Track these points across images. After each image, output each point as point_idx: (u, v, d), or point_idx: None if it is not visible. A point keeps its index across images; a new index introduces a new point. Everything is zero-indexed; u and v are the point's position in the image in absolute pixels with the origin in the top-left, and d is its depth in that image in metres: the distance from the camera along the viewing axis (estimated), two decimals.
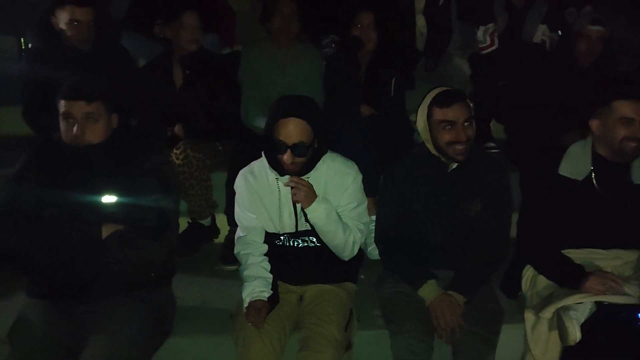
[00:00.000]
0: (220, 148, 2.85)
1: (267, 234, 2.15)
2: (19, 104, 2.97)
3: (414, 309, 2.08)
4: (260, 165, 2.13)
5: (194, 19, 2.81)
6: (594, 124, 2.14)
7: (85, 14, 2.73)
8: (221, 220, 2.86)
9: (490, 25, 3.66)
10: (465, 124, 2.07)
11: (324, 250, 2.13)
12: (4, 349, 1.92)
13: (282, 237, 2.14)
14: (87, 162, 1.94)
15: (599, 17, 3.08)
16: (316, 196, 2.01)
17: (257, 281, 2.06)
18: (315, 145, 2.03)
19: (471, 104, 2.14)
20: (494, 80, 3.51)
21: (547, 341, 2.13)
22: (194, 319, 2.26)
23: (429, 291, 2.08)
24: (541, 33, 3.65)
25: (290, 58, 2.89)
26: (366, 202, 2.18)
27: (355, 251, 2.14)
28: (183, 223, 2.77)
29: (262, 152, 2.10)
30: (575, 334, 1.96)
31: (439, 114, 2.08)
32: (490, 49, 3.66)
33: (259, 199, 2.11)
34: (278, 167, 2.04)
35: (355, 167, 2.15)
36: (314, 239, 2.13)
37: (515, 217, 2.29)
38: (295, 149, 1.96)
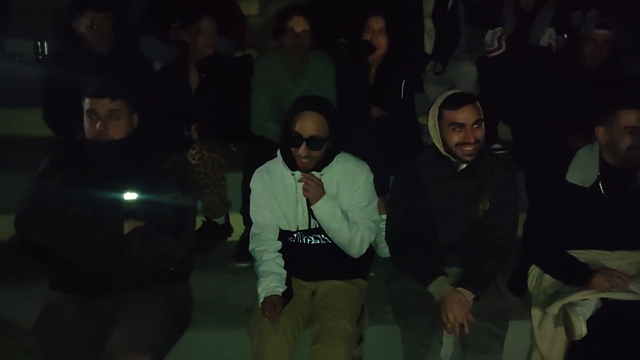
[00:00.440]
0: (234, 149, 2.91)
1: (281, 231, 2.21)
2: (35, 106, 3.04)
3: (423, 304, 2.13)
4: (276, 164, 2.20)
5: (210, 23, 2.88)
6: (600, 131, 2.17)
7: (105, 18, 2.83)
8: (234, 219, 2.93)
9: (499, 28, 3.70)
10: (475, 126, 2.12)
11: (335, 248, 2.18)
12: (29, 341, 1.99)
13: (295, 235, 2.20)
14: (109, 159, 2.01)
15: (605, 20, 3.10)
16: (324, 193, 2.07)
17: (271, 277, 2.11)
18: (330, 145, 2.09)
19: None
20: (501, 83, 3.55)
21: (554, 337, 2.17)
22: (210, 313, 2.31)
23: (438, 287, 2.13)
24: (548, 36, 3.70)
25: (303, 69, 2.89)
26: (376, 201, 2.23)
27: (364, 250, 2.18)
28: (198, 222, 2.82)
29: (278, 149, 2.16)
30: (581, 329, 2.00)
31: (449, 115, 2.13)
32: (497, 52, 3.71)
33: (274, 197, 2.17)
34: (292, 164, 2.11)
35: (367, 167, 2.21)
36: (326, 237, 2.19)
37: (521, 217, 2.33)
38: (311, 142, 2.03)
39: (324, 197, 2.07)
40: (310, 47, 2.85)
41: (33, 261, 2.12)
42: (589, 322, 2.02)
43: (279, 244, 2.20)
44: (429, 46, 3.58)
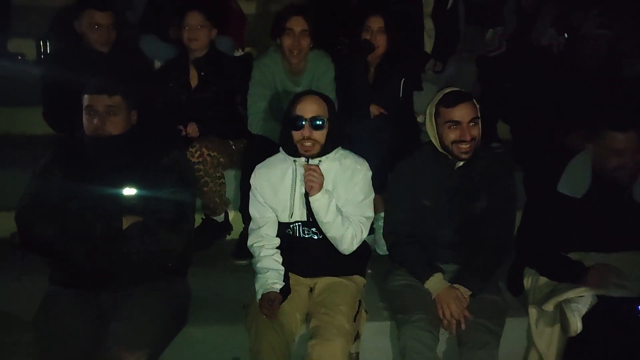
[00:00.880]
0: (233, 147, 2.93)
1: (279, 224, 2.22)
2: (36, 105, 3.07)
3: (421, 300, 2.14)
4: (276, 158, 2.22)
5: (194, 18, 2.85)
6: (589, 147, 2.19)
7: (106, 17, 2.85)
8: (234, 217, 2.95)
9: (499, 28, 3.72)
10: (471, 124, 2.13)
11: (332, 245, 2.18)
12: (28, 335, 2.01)
13: (292, 226, 2.20)
14: (106, 154, 2.03)
15: (605, 20, 3.12)
16: (323, 186, 2.09)
17: (269, 273, 2.12)
18: (329, 131, 2.11)
19: (478, 105, 2.21)
20: (501, 82, 3.57)
21: (551, 335, 2.18)
22: (208, 309, 2.32)
23: (435, 284, 2.15)
24: (549, 36, 3.71)
25: (302, 69, 2.91)
26: (372, 197, 2.24)
27: (354, 247, 2.17)
28: (197, 219, 2.84)
29: (280, 147, 2.19)
30: (576, 325, 2.01)
31: (445, 113, 2.15)
32: (498, 52, 3.73)
33: (272, 188, 2.18)
34: (294, 152, 2.14)
35: (366, 164, 2.23)
36: (320, 231, 2.18)
37: (518, 215, 2.33)
38: (313, 121, 2.07)
39: (323, 190, 2.08)
40: (309, 47, 2.86)
41: (33, 257, 2.14)
42: (585, 319, 2.02)
43: (277, 241, 2.22)
44: (429, 45, 3.60)
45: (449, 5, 3.55)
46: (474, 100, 2.19)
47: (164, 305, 2.01)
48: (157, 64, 3.32)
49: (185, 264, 2.24)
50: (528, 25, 3.76)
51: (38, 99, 3.06)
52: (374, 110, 2.88)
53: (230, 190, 2.90)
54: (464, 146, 2.13)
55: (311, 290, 2.23)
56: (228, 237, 2.97)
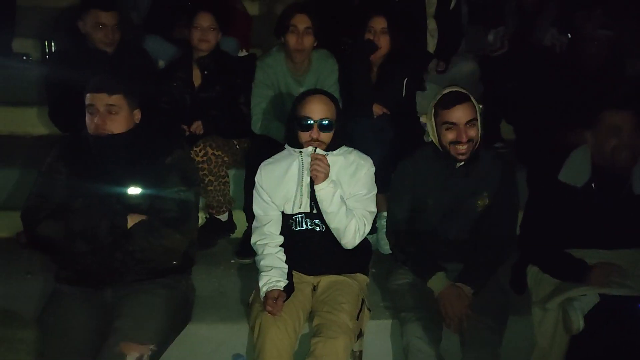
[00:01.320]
0: (237, 146, 2.94)
1: (283, 216, 2.22)
2: (41, 105, 3.09)
3: (423, 299, 2.16)
4: (280, 155, 2.25)
5: (205, 20, 2.88)
6: (587, 135, 2.20)
7: (110, 17, 2.86)
8: (238, 216, 2.96)
9: (501, 28, 3.72)
10: (468, 125, 2.14)
11: (335, 241, 2.19)
12: (34, 333, 2.02)
13: (294, 218, 2.20)
14: (110, 153, 2.04)
15: (608, 21, 3.13)
16: (328, 176, 2.10)
17: (273, 271, 2.13)
18: (335, 132, 2.13)
19: (480, 106, 2.22)
20: (503, 82, 3.57)
21: (554, 334, 2.18)
22: (212, 307, 2.33)
23: (437, 282, 2.16)
24: (551, 36, 3.71)
25: (306, 68, 2.91)
26: (375, 193, 2.25)
27: (357, 241, 2.17)
28: (201, 218, 2.87)
29: (285, 144, 2.21)
30: (578, 323, 2.02)
31: (442, 114, 2.16)
32: (500, 52, 3.73)
33: (277, 182, 2.19)
34: (300, 147, 2.15)
35: (370, 160, 2.25)
36: (324, 223, 2.18)
37: (520, 213, 2.35)
38: (322, 124, 2.08)
39: (328, 179, 2.10)
40: (312, 45, 2.87)
41: (39, 256, 2.16)
42: (588, 317, 2.03)
43: (281, 239, 2.22)
44: (431, 45, 3.61)
45: (452, 5, 3.56)
46: (474, 101, 2.19)
47: (168, 302, 2.03)
48: (161, 64, 3.34)
49: (189, 263, 2.25)
50: (529, 25, 3.76)
51: (43, 99, 3.08)
52: (377, 110, 2.89)
53: (234, 189, 2.91)
54: (461, 147, 2.14)
55: (314, 288, 2.24)
56: (232, 236, 2.97)
